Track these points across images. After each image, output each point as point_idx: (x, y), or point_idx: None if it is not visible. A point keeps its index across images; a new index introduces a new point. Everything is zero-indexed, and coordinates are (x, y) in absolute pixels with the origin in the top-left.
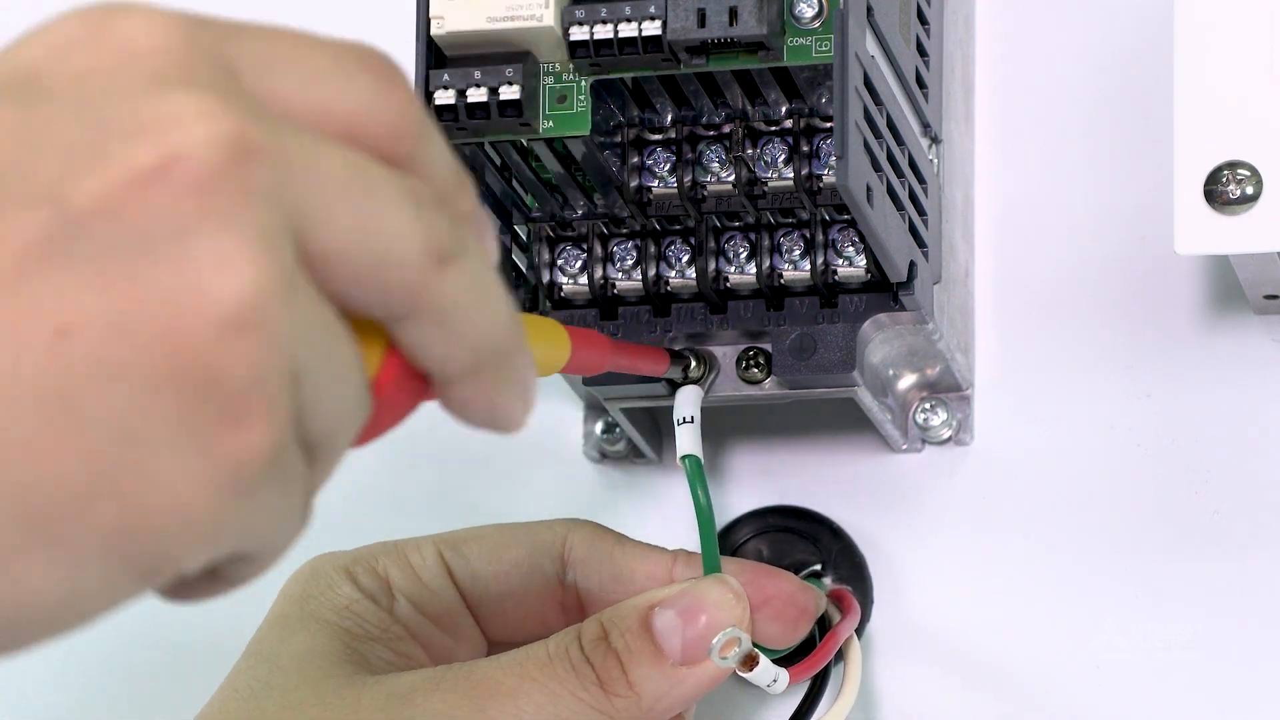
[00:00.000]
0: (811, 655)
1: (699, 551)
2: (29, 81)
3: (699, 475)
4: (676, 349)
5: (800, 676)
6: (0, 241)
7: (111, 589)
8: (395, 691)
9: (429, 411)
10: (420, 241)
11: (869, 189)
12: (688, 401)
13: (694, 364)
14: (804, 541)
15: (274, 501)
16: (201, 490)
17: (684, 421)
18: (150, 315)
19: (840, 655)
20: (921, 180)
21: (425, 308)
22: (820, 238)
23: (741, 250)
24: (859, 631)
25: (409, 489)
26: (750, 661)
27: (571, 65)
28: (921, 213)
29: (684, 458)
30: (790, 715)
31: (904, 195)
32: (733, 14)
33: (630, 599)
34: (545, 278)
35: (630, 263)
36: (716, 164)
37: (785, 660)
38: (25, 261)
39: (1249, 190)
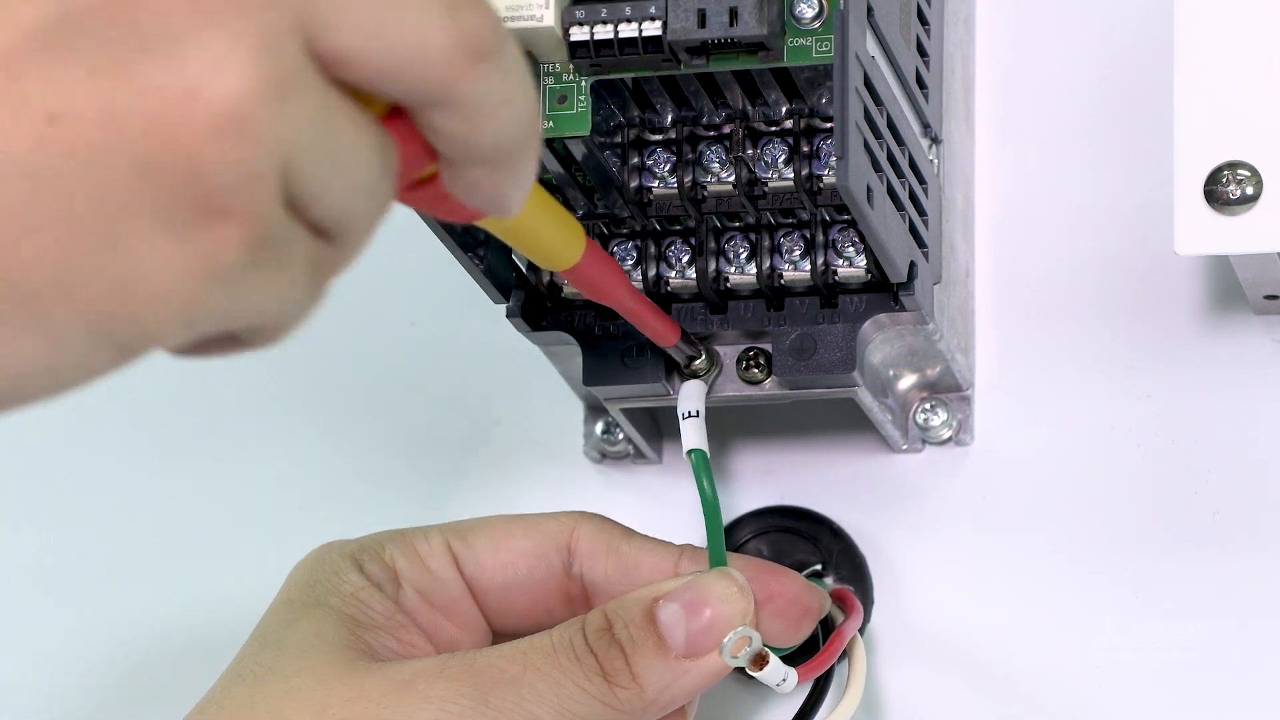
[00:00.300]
0: (819, 654)
1: (705, 547)
2: None
3: (705, 469)
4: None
5: (808, 676)
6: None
7: (90, 363)
8: (399, 678)
9: (430, 414)
10: (450, 40)
11: (869, 189)
12: (692, 396)
13: (701, 358)
14: (804, 541)
15: (267, 283)
16: (178, 277)
17: (689, 416)
18: (140, 109)
19: (844, 654)
20: (921, 180)
21: (454, 102)
22: (820, 238)
23: (742, 250)
24: (859, 631)
25: (409, 489)
26: (760, 661)
27: (571, 65)
28: (921, 213)
29: (690, 452)
30: (794, 715)
31: (904, 195)
32: (733, 14)
33: (635, 591)
34: (545, 278)
35: (630, 263)
36: (716, 164)
37: (789, 660)
38: (22, 49)
39: (1249, 190)
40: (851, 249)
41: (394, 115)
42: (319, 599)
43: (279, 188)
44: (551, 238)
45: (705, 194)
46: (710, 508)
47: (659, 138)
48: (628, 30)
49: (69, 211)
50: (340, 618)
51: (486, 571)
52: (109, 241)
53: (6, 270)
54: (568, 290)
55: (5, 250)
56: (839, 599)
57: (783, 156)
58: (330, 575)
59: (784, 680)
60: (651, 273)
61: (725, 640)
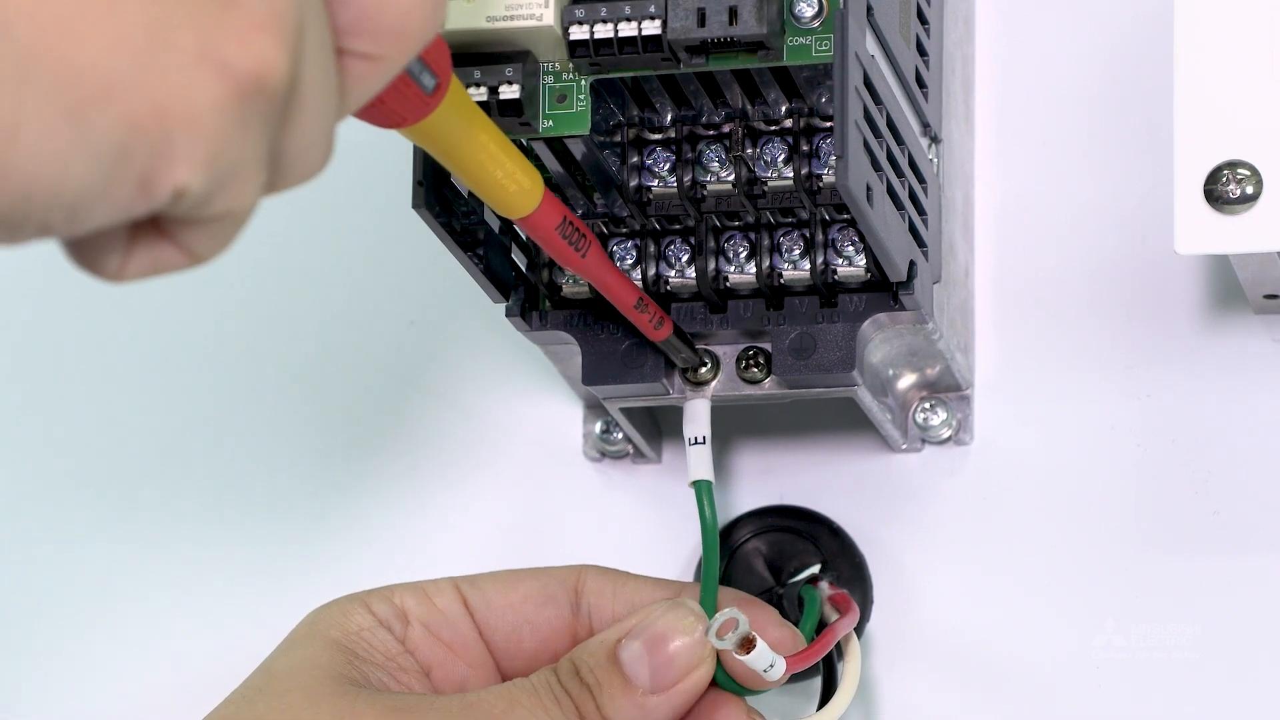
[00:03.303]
0: (809, 647)
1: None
2: None
3: (709, 498)
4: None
5: (797, 666)
6: None
7: (109, 190)
8: (391, 704)
9: (430, 414)
10: None
11: (869, 189)
12: (699, 419)
13: (705, 367)
14: (804, 541)
15: (257, 140)
16: (214, 100)
17: (696, 442)
18: None
19: (840, 654)
20: (921, 180)
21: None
22: (820, 237)
23: (741, 250)
24: (859, 631)
25: (409, 488)
26: (748, 644)
27: (571, 65)
28: (921, 212)
29: (694, 483)
30: None
31: (904, 195)
32: (733, 14)
33: (599, 634)
34: (545, 277)
35: (630, 262)
36: (716, 164)
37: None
38: None
39: (1249, 190)
40: (851, 248)
41: None
42: (320, 632)
43: (300, 28)
44: (506, 178)
45: (705, 193)
46: (709, 536)
47: (658, 137)
48: (627, 29)
49: (116, 21)
50: (338, 648)
51: (495, 611)
52: (153, 55)
53: (62, 74)
54: (567, 290)
55: (59, 54)
56: (836, 602)
57: (782, 156)
58: (337, 614)
59: (771, 666)
60: (651, 272)
61: (712, 622)
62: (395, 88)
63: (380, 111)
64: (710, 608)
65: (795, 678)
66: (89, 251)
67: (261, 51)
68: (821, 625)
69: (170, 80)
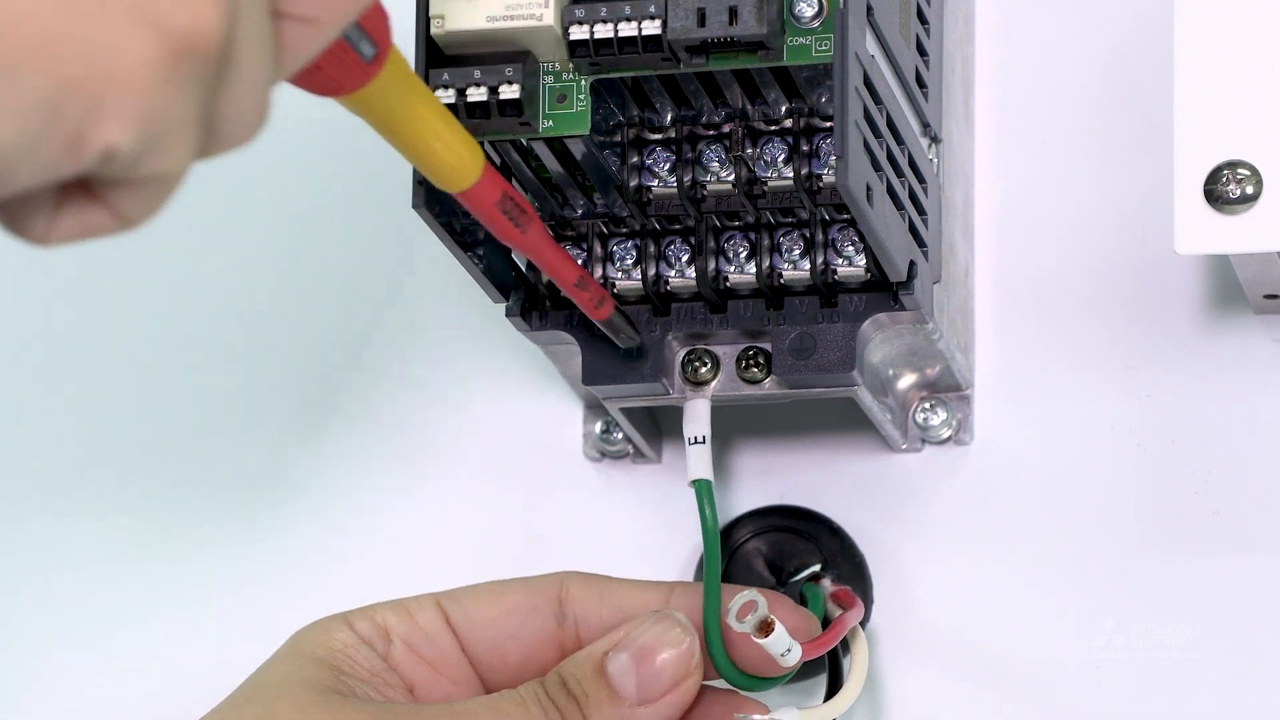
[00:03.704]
0: (824, 634)
1: (694, 581)
2: None
3: (709, 498)
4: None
5: (812, 652)
6: None
7: (37, 148)
8: (378, 712)
9: (429, 414)
10: None
11: (869, 189)
12: (698, 418)
13: (705, 368)
14: (804, 541)
15: (190, 101)
16: (146, 58)
17: (696, 441)
18: None
19: (847, 647)
20: (921, 180)
21: None
22: (820, 237)
23: (741, 250)
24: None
25: (409, 488)
26: (766, 628)
27: (571, 65)
28: (921, 212)
29: (694, 482)
30: None
31: (904, 195)
32: (732, 13)
33: (587, 647)
34: (545, 277)
35: (630, 262)
36: (716, 164)
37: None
38: None
39: (1249, 190)
40: (851, 248)
41: None
42: (305, 651)
43: None
44: (445, 150)
45: (705, 193)
46: (710, 537)
47: (658, 137)
48: (627, 29)
49: None
50: (323, 664)
51: (478, 626)
52: (90, 11)
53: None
54: None
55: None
56: (839, 598)
57: (782, 156)
58: (320, 633)
59: (788, 651)
60: (651, 272)
61: (731, 605)
62: (333, 54)
63: (317, 78)
64: (714, 606)
65: (799, 675)
66: (15, 214)
67: (196, 11)
68: (826, 622)
69: (103, 37)
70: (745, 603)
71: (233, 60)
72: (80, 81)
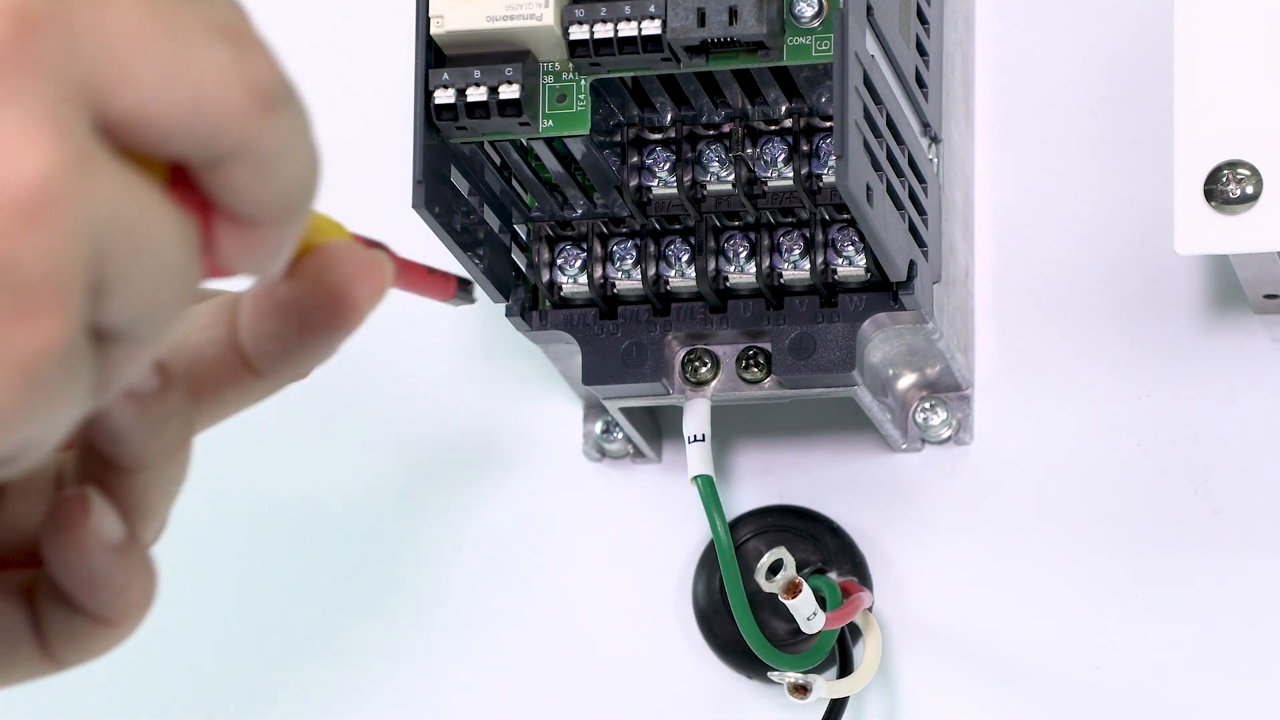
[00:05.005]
0: (841, 607)
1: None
2: None
3: (713, 497)
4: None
5: (834, 624)
6: None
7: None
8: None
9: (430, 414)
10: (242, 85)
11: (869, 189)
12: (698, 417)
13: (705, 367)
14: (804, 541)
15: (63, 392)
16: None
17: (695, 439)
18: None
19: (859, 635)
20: (921, 180)
21: (249, 152)
22: (820, 237)
23: (741, 250)
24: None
25: (408, 488)
26: (794, 588)
27: (571, 64)
28: (921, 212)
29: (696, 478)
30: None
31: (904, 195)
32: (732, 13)
33: None
34: (545, 277)
35: (630, 262)
36: (716, 164)
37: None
38: None
39: (1249, 190)
40: (851, 248)
41: (175, 182)
42: None
43: (90, 276)
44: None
45: (705, 193)
46: (721, 540)
47: (658, 137)
48: (627, 29)
49: None
50: None
51: None
52: None
53: None
54: (568, 289)
55: None
56: (845, 588)
57: (782, 155)
58: None
59: (814, 615)
60: (651, 272)
61: (761, 563)
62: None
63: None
64: (735, 581)
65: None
66: None
67: (43, 326)
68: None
69: None
70: (774, 561)
71: (119, 328)
72: None
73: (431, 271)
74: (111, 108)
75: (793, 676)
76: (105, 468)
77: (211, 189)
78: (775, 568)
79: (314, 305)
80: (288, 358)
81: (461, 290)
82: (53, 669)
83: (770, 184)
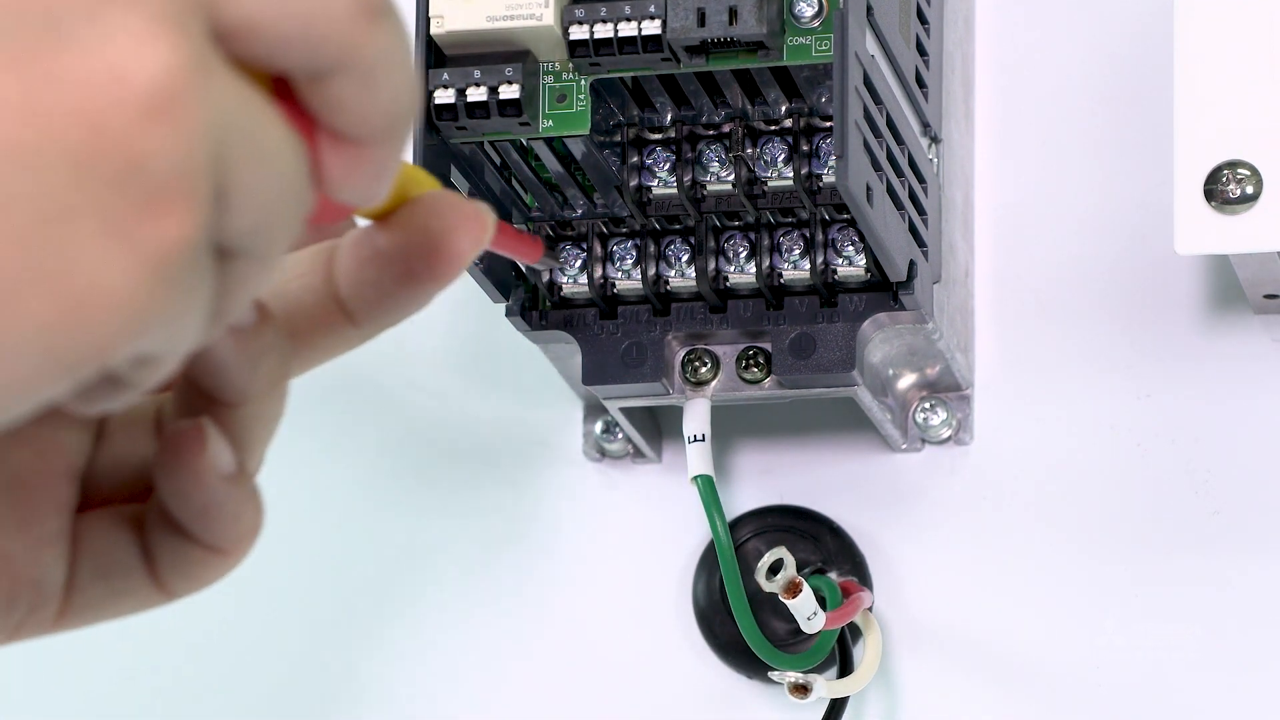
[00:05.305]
0: (842, 607)
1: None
2: None
3: (713, 497)
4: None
5: (834, 623)
6: None
7: (34, 386)
8: None
9: (429, 414)
10: None
11: (869, 189)
12: (698, 417)
13: (705, 367)
14: (804, 541)
15: (191, 295)
16: (127, 281)
17: (695, 439)
18: (64, 98)
19: (859, 635)
20: (921, 180)
21: (356, 64)
22: (820, 237)
23: (741, 250)
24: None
25: (408, 488)
26: (794, 588)
27: (571, 64)
28: (921, 212)
29: (696, 478)
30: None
31: (904, 195)
32: (732, 13)
33: None
34: (545, 277)
35: (630, 262)
36: (716, 164)
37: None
38: None
39: (1249, 190)
40: (851, 248)
41: (280, 98)
42: None
43: (213, 180)
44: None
45: (705, 193)
46: (721, 541)
47: (658, 137)
48: (627, 29)
49: (6, 220)
50: None
51: None
52: (52, 248)
53: None
54: (568, 289)
55: None
56: (845, 589)
57: (782, 155)
58: None
59: (814, 615)
60: (651, 272)
61: (761, 563)
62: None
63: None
64: (735, 579)
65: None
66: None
67: (167, 213)
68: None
69: (76, 269)
70: (775, 560)
71: (237, 243)
72: (64, 321)
73: (520, 232)
74: (225, 15)
75: (793, 676)
76: (207, 404)
77: (316, 105)
78: (775, 567)
79: (415, 254)
80: (384, 305)
81: (549, 251)
82: (163, 599)
83: (770, 184)
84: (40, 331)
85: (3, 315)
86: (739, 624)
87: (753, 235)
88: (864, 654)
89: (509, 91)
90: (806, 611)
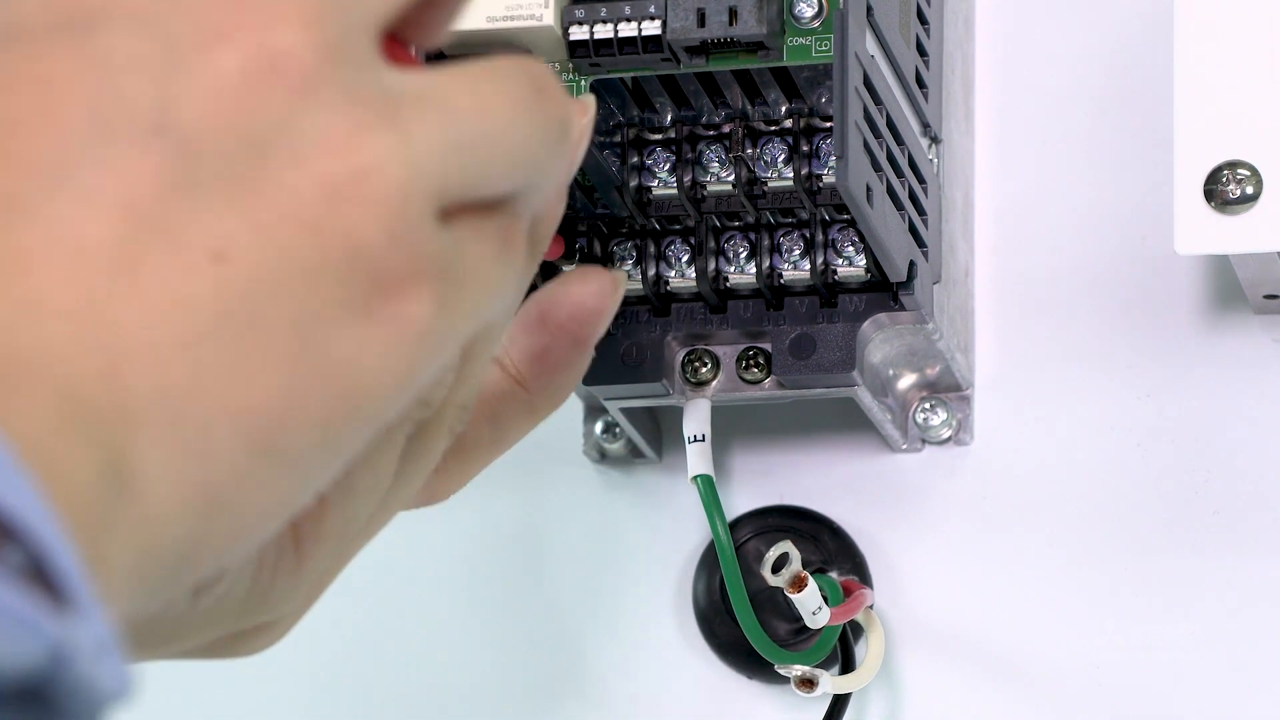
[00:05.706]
0: (845, 603)
1: None
2: (71, 17)
3: (713, 497)
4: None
5: (839, 619)
6: (130, 186)
7: (323, 479)
8: None
9: None
10: (548, 131)
11: (869, 189)
12: (698, 417)
13: (705, 368)
14: (804, 541)
15: (438, 356)
16: (388, 354)
17: (695, 440)
18: (287, 213)
19: (860, 633)
20: (921, 180)
21: (559, 181)
22: (820, 237)
23: (741, 250)
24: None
25: None
26: (800, 583)
27: (571, 65)
28: (921, 213)
29: (696, 478)
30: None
31: (904, 195)
32: (732, 14)
33: None
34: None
35: (630, 262)
36: (716, 164)
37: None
38: (160, 202)
39: (1249, 190)
40: (851, 248)
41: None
42: None
43: (434, 213)
44: None
45: (705, 193)
46: (721, 543)
47: (658, 137)
48: (627, 29)
49: (270, 342)
50: None
51: None
52: (313, 351)
53: (241, 421)
54: None
55: (231, 403)
56: (846, 587)
57: (782, 156)
58: None
59: (819, 610)
60: (651, 272)
61: (767, 557)
62: None
63: None
64: (736, 579)
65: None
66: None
67: (406, 291)
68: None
69: (340, 363)
70: (779, 553)
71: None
72: (342, 414)
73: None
74: (452, 186)
75: (800, 669)
76: None
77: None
78: (780, 563)
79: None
80: (547, 376)
81: (567, 252)
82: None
83: (770, 184)
84: (323, 432)
85: (290, 430)
86: (741, 623)
87: (753, 235)
88: (866, 651)
89: None
90: (811, 606)
